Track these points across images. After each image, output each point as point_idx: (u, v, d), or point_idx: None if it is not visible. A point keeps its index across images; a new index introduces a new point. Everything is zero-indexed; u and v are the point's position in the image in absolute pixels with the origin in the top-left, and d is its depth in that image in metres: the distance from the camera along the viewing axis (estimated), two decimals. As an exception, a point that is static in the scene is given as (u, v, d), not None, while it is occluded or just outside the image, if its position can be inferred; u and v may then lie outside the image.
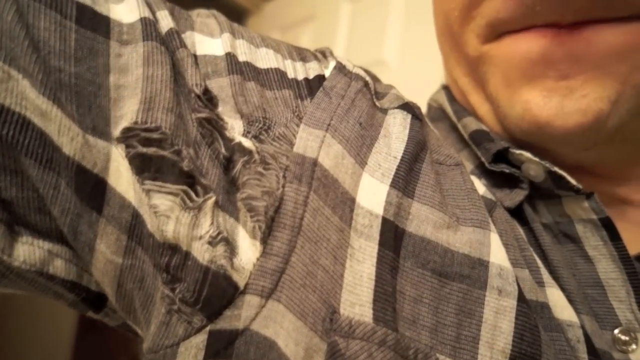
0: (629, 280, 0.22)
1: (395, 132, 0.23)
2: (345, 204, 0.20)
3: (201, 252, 0.18)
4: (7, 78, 0.16)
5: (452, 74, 0.29)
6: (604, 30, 0.21)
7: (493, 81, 0.25)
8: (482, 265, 0.20)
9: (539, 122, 0.23)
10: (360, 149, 0.21)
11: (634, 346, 0.21)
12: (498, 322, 0.19)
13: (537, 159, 0.24)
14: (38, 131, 0.16)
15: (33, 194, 0.17)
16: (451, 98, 0.31)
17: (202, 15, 0.24)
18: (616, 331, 0.22)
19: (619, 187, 0.26)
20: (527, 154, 0.24)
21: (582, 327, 0.21)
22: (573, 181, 0.23)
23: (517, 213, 0.25)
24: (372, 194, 0.20)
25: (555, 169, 0.23)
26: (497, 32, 0.24)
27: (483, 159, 0.25)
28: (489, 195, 0.24)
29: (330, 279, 0.18)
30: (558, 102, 0.22)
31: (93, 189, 0.17)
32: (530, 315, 0.19)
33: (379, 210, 0.20)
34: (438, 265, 0.20)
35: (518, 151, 0.24)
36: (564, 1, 0.20)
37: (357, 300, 0.18)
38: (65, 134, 0.17)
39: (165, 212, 0.17)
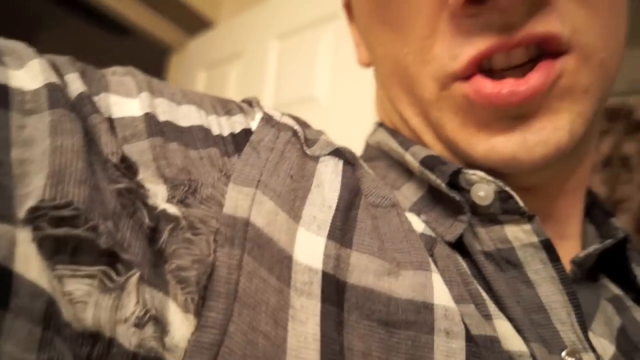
0: (569, 301, 0.23)
1: (328, 180, 0.22)
2: (282, 262, 0.19)
3: (127, 337, 0.16)
4: None
5: (402, 114, 0.30)
6: (549, 73, 0.23)
7: (449, 126, 0.26)
8: (427, 308, 0.20)
9: (504, 158, 0.24)
10: (294, 202, 0.21)
11: None
12: None
13: (490, 178, 0.24)
14: None
15: None
16: (393, 132, 0.31)
17: (117, 74, 0.22)
18: (563, 354, 0.22)
19: (552, 202, 0.28)
20: (480, 173, 0.25)
21: (532, 355, 0.21)
22: (520, 202, 0.24)
23: (458, 245, 0.25)
24: (310, 247, 0.19)
25: (507, 189, 0.24)
26: (451, 77, 0.25)
27: (439, 182, 0.25)
28: (429, 232, 0.25)
29: (272, 345, 0.17)
30: (519, 137, 0.24)
31: None
32: (480, 354, 0.19)
33: (318, 264, 0.19)
34: (383, 315, 0.19)
35: (471, 171, 0.25)
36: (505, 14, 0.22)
37: None
38: None
39: (81, 298, 0.15)
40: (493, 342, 0.20)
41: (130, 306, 0.16)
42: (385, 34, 0.27)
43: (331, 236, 0.20)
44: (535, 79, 0.23)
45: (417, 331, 0.19)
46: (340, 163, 0.24)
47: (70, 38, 2.51)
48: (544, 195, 0.28)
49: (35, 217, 0.15)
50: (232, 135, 0.22)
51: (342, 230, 0.21)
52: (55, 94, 0.18)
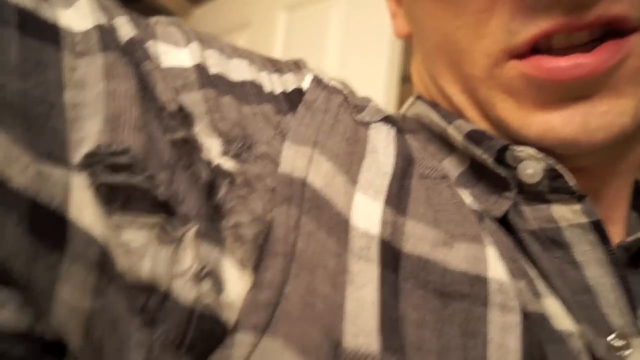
0: (619, 284, 0.22)
1: (382, 146, 0.22)
2: (340, 225, 0.18)
3: (184, 291, 0.15)
4: None
5: (444, 90, 0.28)
6: (618, 52, 0.21)
7: (501, 105, 0.24)
8: (480, 281, 0.19)
9: (563, 139, 0.23)
10: (350, 166, 0.20)
11: (629, 351, 0.21)
12: (504, 340, 0.18)
13: (540, 155, 0.23)
14: None
15: None
16: (433, 104, 0.30)
17: (162, 24, 0.21)
18: (610, 337, 0.21)
19: (602, 185, 0.27)
20: (530, 150, 0.23)
21: (582, 336, 0.20)
22: (571, 182, 0.23)
23: (502, 222, 0.24)
24: (367, 213, 0.19)
25: (558, 167, 0.23)
26: (507, 54, 0.23)
27: (485, 156, 0.24)
28: (476, 207, 0.24)
29: (330, 308, 0.17)
30: (581, 120, 0.22)
31: (52, 226, 0.14)
32: (535, 329, 0.19)
33: (376, 230, 0.19)
34: (438, 285, 0.19)
35: (520, 148, 0.24)
36: None
37: (361, 329, 0.17)
38: (14, 164, 0.14)
39: (138, 249, 0.15)
40: (544, 319, 0.20)
41: (188, 260, 0.16)
42: (436, 5, 0.26)
43: (388, 202, 0.20)
44: (602, 53, 0.21)
45: (470, 304, 0.19)
46: (392, 130, 0.23)
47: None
48: (594, 176, 0.26)
49: (91, 162, 0.15)
50: (285, 93, 0.21)
51: (397, 197, 0.20)
52: (106, 36, 0.17)
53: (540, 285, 0.22)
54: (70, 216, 0.15)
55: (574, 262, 0.23)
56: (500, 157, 0.25)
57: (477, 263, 0.20)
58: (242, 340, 0.16)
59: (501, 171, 0.24)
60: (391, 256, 0.19)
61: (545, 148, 0.24)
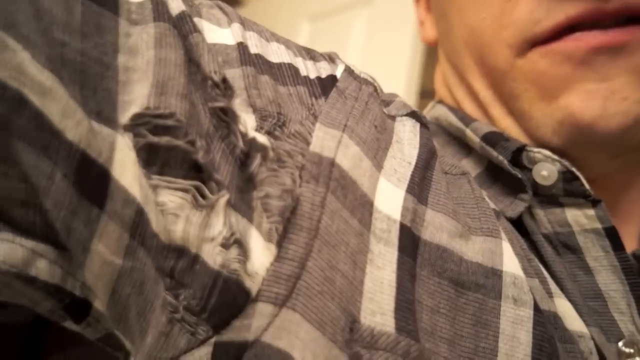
0: (631, 292, 0.22)
1: (407, 138, 0.23)
2: (364, 207, 0.19)
3: (212, 255, 0.16)
4: (3, 47, 0.14)
5: (471, 87, 0.29)
6: (629, 29, 0.22)
7: (526, 95, 0.25)
8: (495, 274, 0.20)
9: (580, 124, 0.23)
10: (377, 152, 0.21)
11: (637, 358, 0.22)
12: (516, 332, 0.19)
13: (556, 157, 0.24)
14: (35, 111, 0.14)
15: (19, 184, 0.15)
16: (452, 108, 0.31)
17: (205, 5, 0.22)
18: (620, 343, 0.22)
19: (618, 196, 0.27)
20: (546, 152, 0.24)
21: (592, 338, 0.21)
22: (586, 184, 0.23)
23: (516, 224, 0.25)
24: (390, 198, 0.20)
25: (573, 169, 0.23)
26: (529, 43, 0.24)
27: (501, 158, 0.25)
28: (492, 205, 0.24)
29: (349, 285, 0.17)
30: (600, 104, 0.22)
31: (96, 181, 0.15)
32: (547, 326, 0.19)
33: (397, 215, 0.19)
34: (454, 274, 0.19)
35: (536, 149, 0.24)
36: None
37: (378, 308, 0.17)
38: (70, 117, 0.15)
39: (173, 211, 0.16)
40: (556, 318, 0.20)
41: (218, 226, 0.16)
42: (461, 1, 0.27)
43: (410, 190, 0.20)
44: (624, 32, 0.22)
45: (484, 295, 0.19)
46: (418, 125, 0.24)
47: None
48: (608, 186, 0.26)
49: (137, 124, 0.16)
50: (319, 78, 0.22)
51: (419, 187, 0.21)
52: (159, 7, 0.18)
53: (553, 286, 0.22)
54: (114, 174, 0.15)
55: (586, 267, 0.23)
56: (516, 159, 0.25)
57: (492, 256, 0.20)
58: (262, 310, 0.16)
59: (517, 172, 0.24)
60: (410, 242, 0.19)
61: (563, 145, 0.24)
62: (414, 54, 0.98)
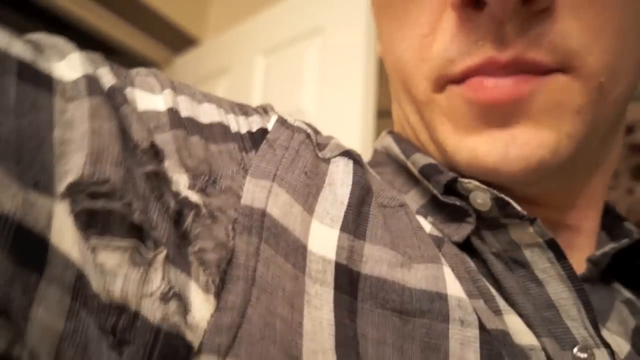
0: (579, 298, 0.23)
1: (339, 179, 0.23)
2: (297, 251, 0.20)
3: (152, 311, 0.16)
4: None
5: (404, 110, 0.30)
6: (531, 81, 0.22)
7: (440, 128, 0.26)
8: (441, 298, 0.20)
9: (485, 167, 0.24)
10: (307, 197, 0.22)
11: None
12: (464, 353, 0.19)
13: (484, 186, 0.24)
14: None
15: None
16: (398, 139, 0.32)
17: (141, 74, 0.23)
18: (575, 350, 0.22)
19: (561, 214, 0.28)
20: (475, 182, 0.25)
21: (544, 349, 0.21)
22: (518, 207, 0.24)
23: (466, 246, 0.26)
24: (323, 240, 0.20)
25: (502, 195, 0.24)
26: (445, 79, 0.25)
27: (435, 191, 0.26)
28: (436, 233, 0.25)
29: (289, 328, 0.18)
30: (502, 149, 0.23)
31: (33, 248, 0.16)
32: (493, 343, 0.20)
33: (332, 255, 0.20)
34: (397, 304, 0.20)
35: (466, 180, 0.25)
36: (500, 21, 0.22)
37: (319, 347, 0.18)
38: (4, 192, 0.15)
39: (112, 270, 0.16)
40: (505, 335, 0.21)
41: (157, 281, 0.17)
42: (390, 28, 0.28)
43: (344, 229, 0.21)
44: (519, 79, 0.22)
45: (431, 319, 0.20)
46: (351, 163, 0.24)
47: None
48: (550, 206, 0.27)
49: (74, 191, 0.16)
50: (250, 132, 0.23)
51: (355, 223, 0.21)
52: (92, 83, 0.19)
53: (502, 303, 0.22)
54: (52, 240, 0.16)
55: (536, 279, 0.24)
56: (454, 187, 0.26)
57: (435, 282, 0.21)
58: None
59: (455, 201, 0.25)
60: (348, 279, 0.20)
61: (487, 180, 0.25)
62: (367, 77, 1.00)
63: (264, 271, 0.18)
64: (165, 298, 0.17)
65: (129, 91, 0.21)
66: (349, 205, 0.22)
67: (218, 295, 0.18)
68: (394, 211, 0.24)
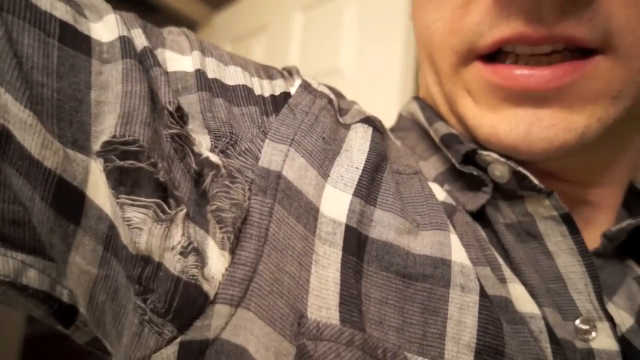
0: (587, 272, 0.24)
1: (357, 144, 0.24)
2: (309, 213, 0.20)
3: (173, 263, 0.18)
4: None
5: (425, 79, 0.30)
6: (573, 74, 0.22)
7: (462, 102, 0.26)
8: (444, 264, 0.21)
9: (505, 146, 0.24)
10: (323, 162, 0.22)
11: (593, 334, 0.23)
12: (462, 317, 0.20)
13: (503, 159, 0.25)
14: (18, 144, 0.17)
15: (9, 206, 0.18)
16: (423, 106, 0.32)
17: (173, 33, 0.24)
18: (577, 321, 0.23)
19: (582, 189, 0.28)
20: (494, 155, 0.25)
21: (544, 318, 0.22)
22: (535, 181, 0.24)
23: (480, 216, 0.26)
24: (335, 203, 0.21)
25: (520, 169, 0.24)
26: (473, 53, 0.24)
27: (453, 160, 0.26)
28: (450, 201, 0.26)
29: (296, 284, 0.19)
30: (525, 129, 0.23)
31: (72, 201, 0.18)
32: (493, 309, 0.20)
33: (342, 218, 0.21)
34: (401, 268, 0.20)
35: (485, 152, 0.25)
36: (535, 5, 0.21)
37: (323, 303, 0.19)
38: (48, 148, 0.17)
39: (138, 225, 0.18)
40: (507, 302, 0.21)
41: (177, 237, 0.18)
42: None
43: (357, 194, 0.22)
44: (558, 70, 0.22)
45: (433, 284, 0.20)
46: (370, 130, 0.25)
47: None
48: (570, 181, 0.27)
49: (107, 150, 0.18)
50: (272, 96, 0.24)
51: (367, 189, 0.22)
52: (126, 46, 0.20)
53: (507, 272, 0.23)
54: (88, 194, 0.18)
55: (547, 252, 0.24)
56: (472, 158, 0.26)
57: (441, 248, 0.21)
58: (220, 311, 0.18)
59: (472, 170, 0.25)
60: (356, 241, 0.20)
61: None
62: (408, 31, 0.97)
63: (276, 230, 0.19)
64: (184, 252, 0.18)
65: (160, 52, 0.22)
66: (363, 171, 0.22)
67: (233, 252, 0.19)
68: (407, 178, 0.25)
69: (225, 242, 0.19)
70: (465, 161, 0.27)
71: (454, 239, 0.22)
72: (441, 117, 0.30)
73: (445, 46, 0.26)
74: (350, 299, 0.19)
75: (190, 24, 1.73)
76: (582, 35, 0.21)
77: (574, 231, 0.24)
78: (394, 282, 0.20)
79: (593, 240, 0.27)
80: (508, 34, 0.22)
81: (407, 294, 0.20)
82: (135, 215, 0.18)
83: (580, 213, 0.28)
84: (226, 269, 0.19)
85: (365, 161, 0.23)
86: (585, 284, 0.23)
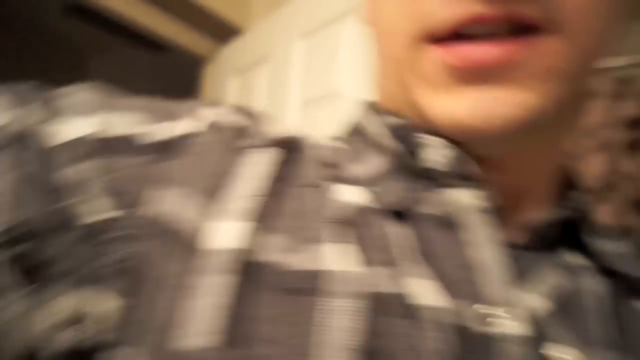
0: (500, 261, 0.24)
1: (249, 172, 0.25)
2: (187, 248, 0.21)
3: (63, 338, 0.19)
4: None
5: (380, 82, 0.31)
6: (522, 51, 0.22)
7: (417, 89, 0.26)
8: (321, 276, 0.22)
9: (462, 126, 0.24)
10: (212, 194, 0.23)
11: (497, 320, 0.22)
12: (341, 323, 0.20)
13: (440, 140, 0.25)
14: None
15: None
16: (368, 107, 0.33)
17: (74, 93, 0.25)
18: (479, 307, 0.23)
19: (514, 178, 0.28)
20: (432, 137, 0.26)
21: (446, 309, 0.22)
22: (470, 168, 0.25)
23: (398, 210, 0.26)
24: (220, 234, 0.22)
25: (457, 151, 0.25)
26: (426, 37, 0.24)
27: (383, 130, 0.27)
28: (362, 202, 0.26)
29: (169, 318, 0.20)
30: (485, 109, 0.23)
31: None
32: (382, 309, 0.21)
33: (228, 246, 0.22)
34: (288, 285, 0.21)
35: (424, 135, 0.26)
36: None
37: (202, 331, 0.20)
38: None
39: (17, 321, 0.19)
40: (401, 297, 0.22)
41: (60, 313, 0.19)
42: None
43: (242, 220, 0.22)
44: (510, 46, 0.22)
45: (314, 296, 0.21)
46: (267, 152, 0.26)
47: (116, 59, 2.65)
48: (503, 169, 0.27)
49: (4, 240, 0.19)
50: (164, 142, 0.25)
51: (258, 215, 0.23)
52: (3, 133, 0.21)
53: (414, 267, 0.23)
54: None
55: (463, 241, 0.24)
56: (409, 142, 0.27)
57: (316, 260, 0.22)
58: (118, 353, 0.20)
59: (397, 146, 0.27)
60: (242, 266, 0.21)
61: (450, 137, 0.25)
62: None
63: (154, 271, 0.21)
64: (72, 321, 0.20)
65: (48, 126, 0.23)
66: (253, 198, 0.23)
67: (123, 298, 0.20)
68: (307, 191, 0.25)
69: (117, 291, 0.20)
70: (407, 151, 0.27)
71: (338, 248, 0.23)
72: (391, 114, 0.30)
73: (401, 32, 0.25)
74: (236, 323, 0.20)
75: (196, 59, 1.77)
76: (534, 15, 0.22)
77: (492, 220, 0.25)
78: (283, 300, 0.21)
79: (519, 230, 0.28)
80: (463, 15, 0.22)
81: (296, 309, 0.21)
82: (13, 310, 0.19)
83: (508, 201, 0.28)
84: (117, 314, 0.20)
85: (258, 187, 0.24)
86: (500, 275, 0.24)
